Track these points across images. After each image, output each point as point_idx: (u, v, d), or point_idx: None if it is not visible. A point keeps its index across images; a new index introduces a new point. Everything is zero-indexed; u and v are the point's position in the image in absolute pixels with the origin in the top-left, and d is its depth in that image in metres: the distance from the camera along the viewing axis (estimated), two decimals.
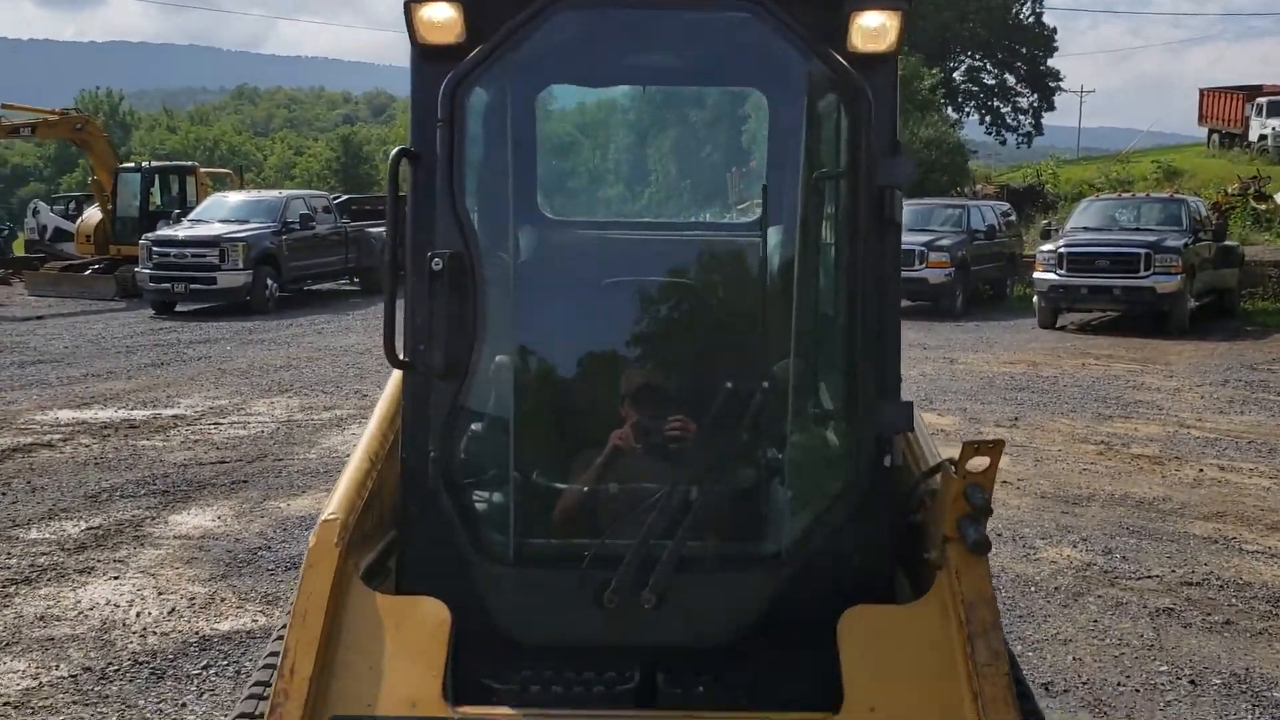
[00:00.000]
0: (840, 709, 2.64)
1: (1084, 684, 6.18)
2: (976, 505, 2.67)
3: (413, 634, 2.77)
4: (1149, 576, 7.96)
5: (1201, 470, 10.71)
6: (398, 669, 2.71)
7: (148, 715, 5.65)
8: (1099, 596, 7.47)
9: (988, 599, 2.71)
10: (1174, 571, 8.07)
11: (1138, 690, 6.20)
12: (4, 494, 9.50)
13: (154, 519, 8.87)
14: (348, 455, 3.35)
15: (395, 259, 2.81)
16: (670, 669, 2.85)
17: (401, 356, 2.87)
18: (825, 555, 2.89)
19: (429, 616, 2.80)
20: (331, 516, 2.87)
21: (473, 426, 3.09)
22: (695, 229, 4.28)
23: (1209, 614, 7.27)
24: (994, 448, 2.69)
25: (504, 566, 2.93)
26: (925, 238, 21.48)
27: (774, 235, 3.37)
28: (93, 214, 28.23)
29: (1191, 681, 6.29)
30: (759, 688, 2.79)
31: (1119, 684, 6.24)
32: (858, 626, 2.76)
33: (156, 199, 28.02)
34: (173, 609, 7.05)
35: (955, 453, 2.76)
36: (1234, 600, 7.53)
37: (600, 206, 4.71)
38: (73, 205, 34.57)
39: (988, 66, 58.46)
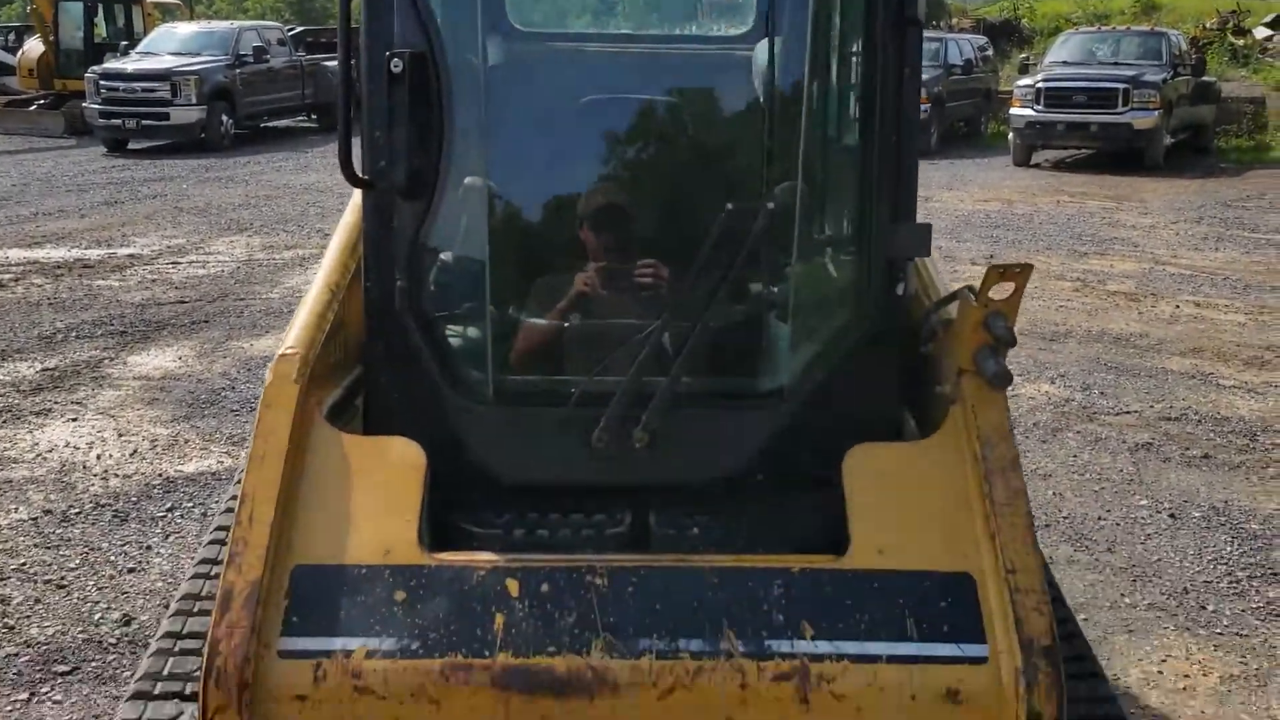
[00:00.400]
0: (845, 552, 2.46)
1: (1065, 519, 6.15)
2: (998, 335, 2.45)
3: (384, 477, 2.56)
4: (1127, 412, 7.90)
5: (1178, 307, 10.63)
6: (368, 515, 2.50)
7: (112, 559, 5.49)
8: (1078, 432, 7.40)
9: (1006, 434, 2.52)
10: (1152, 407, 8.02)
11: (1118, 524, 6.16)
12: None
13: (112, 360, 8.58)
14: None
15: (348, 59, 2.48)
16: (663, 511, 2.66)
17: (361, 174, 2.57)
18: (830, 391, 2.68)
19: (401, 458, 2.58)
20: (289, 351, 2.61)
21: (442, 255, 2.82)
22: (681, 42, 3.92)
23: (1187, 448, 7.23)
24: (1021, 273, 2.46)
25: (482, 405, 2.70)
26: None
27: (773, 44, 3.05)
28: (34, 46, 26.86)
29: (1171, 515, 6.27)
30: (758, 530, 2.62)
31: (1100, 518, 6.20)
32: (864, 465, 2.57)
33: (101, 30, 26.68)
34: (134, 451, 6.83)
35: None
36: (1212, 434, 7.49)
37: (574, 17, 4.32)
38: (12, 36, 32.91)
39: None
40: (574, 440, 2.63)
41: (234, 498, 2.74)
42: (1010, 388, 2.64)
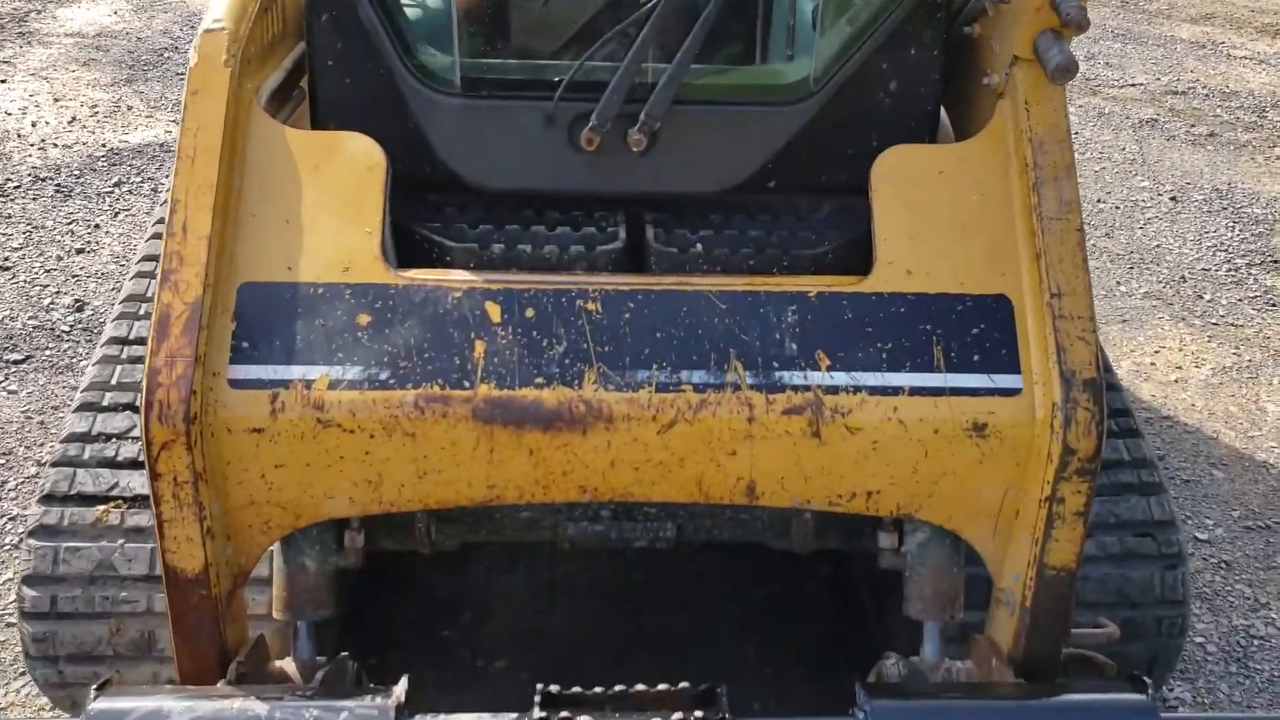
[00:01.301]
0: (871, 271, 2.17)
1: None
2: (1068, 15, 2.04)
3: (338, 179, 2.20)
4: (1132, 85, 7.46)
5: None
6: (322, 224, 2.16)
7: (58, 238, 5.15)
8: (1080, 107, 6.99)
9: (1062, 137, 2.18)
10: (1158, 79, 7.57)
11: (1118, 208, 5.91)
12: None
13: (40, 13, 7.82)
14: None
15: None
16: (664, 224, 2.33)
17: None
18: (860, 82, 2.30)
19: (358, 157, 2.21)
20: (215, 25, 2.17)
21: None
22: None
23: (1193, 125, 6.87)
24: None
25: (449, 95, 2.29)
26: None
27: None
28: None
29: (1173, 198, 6.01)
30: (771, 249, 2.31)
31: (1099, 200, 5.93)
32: (896, 171, 2.23)
33: None
34: (73, 118, 6.32)
35: None
36: (1219, 110, 7.11)
37: None
38: None
39: None
40: (559, 139, 2.26)
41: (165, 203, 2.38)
42: None
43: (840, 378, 2.11)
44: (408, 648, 3.28)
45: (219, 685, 2.11)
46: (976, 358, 2.13)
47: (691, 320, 2.13)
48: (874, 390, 2.11)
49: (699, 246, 2.28)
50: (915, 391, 2.11)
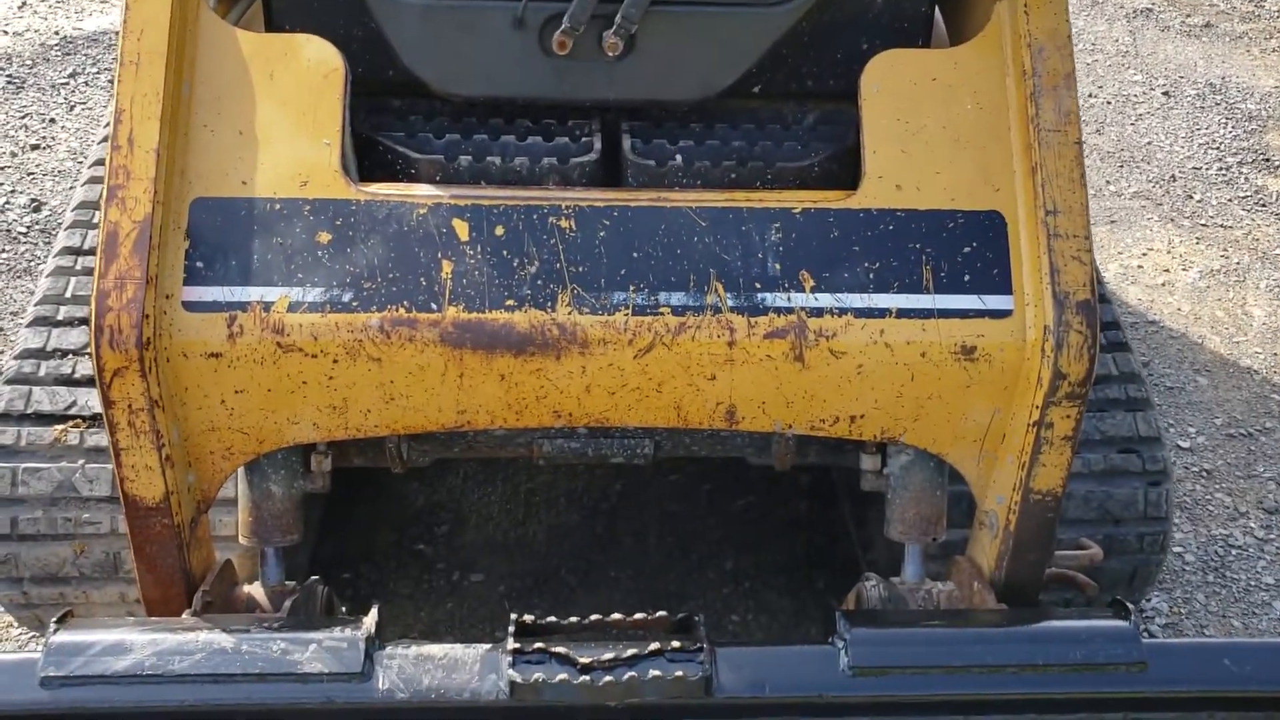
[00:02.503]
0: (858, 186, 2.07)
1: None
2: None
3: (294, 86, 2.06)
4: None
5: None
6: (278, 134, 2.04)
7: (11, 133, 4.95)
8: None
9: (1062, 42, 2.05)
10: None
11: (1109, 103, 5.77)
12: None
13: None
14: None
15: None
16: (641, 134, 2.20)
17: None
18: None
19: (315, 62, 2.07)
20: None
21: None
22: None
23: (1188, 16, 6.67)
24: None
25: None
26: None
27: None
28: None
29: (1165, 93, 5.87)
30: (755, 159, 2.19)
31: (1090, 95, 5.78)
32: (887, 77, 2.11)
33: None
34: (24, 2, 6.03)
35: None
36: (1216, 0, 6.90)
37: None
38: None
39: None
40: (529, 43, 2.12)
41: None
42: None
43: (825, 299, 2.02)
44: (383, 561, 3.24)
45: (184, 616, 2.05)
46: (967, 278, 2.05)
47: (670, 239, 2.03)
48: (860, 313, 2.02)
49: (678, 159, 2.16)
50: (903, 314, 2.03)
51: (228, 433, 2.07)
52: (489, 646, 1.93)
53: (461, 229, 2.01)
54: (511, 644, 1.89)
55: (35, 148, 4.87)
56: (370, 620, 1.93)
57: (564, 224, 2.02)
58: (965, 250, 2.06)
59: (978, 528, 2.30)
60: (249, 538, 2.23)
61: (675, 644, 1.91)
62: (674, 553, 3.27)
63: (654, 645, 1.90)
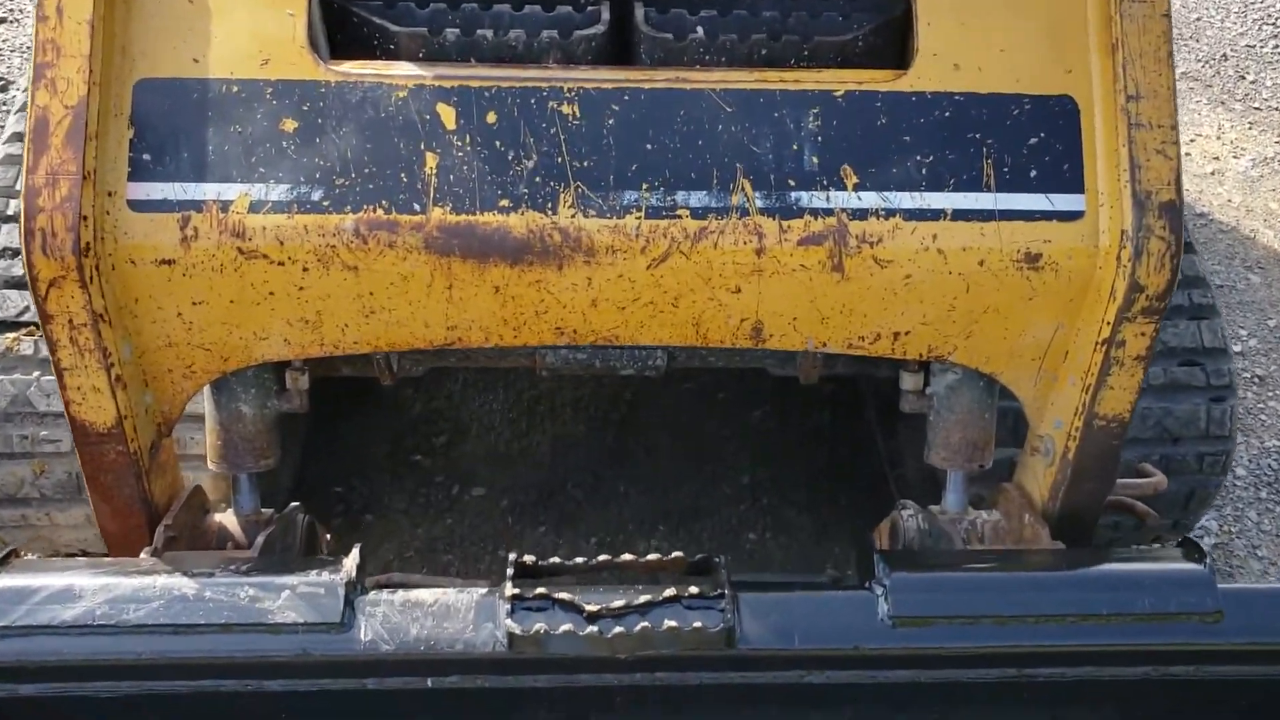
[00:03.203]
0: (910, 64, 1.78)
1: None
2: None
3: None
4: None
5: None
6: (235, 3, 1.74)
7: None
8: None
9: None
10: None
11: None
12: None
13: None
14: None
15: None
16: (657, 2, 1.89)
17: None
18: None
19: None
20: None
21: None
22: None
23: None
24: None
25: None
26: None
27: None
28: None
29: None
30: (789, 31, 1.88)
31: None
32: None
33: None
34: None
35: None
36: None
37: None
38: None
39: None
40: None
41: None
42: None
43: (869, 199, 1.75)
44: (376, 474, 3.03)
45: (142, 555, 1.84)
46: (1033, 174, 1.77)
47: (690, 127, 1.75)
48: (910, 214, 1.75)
49: (699, 31, 1.86)
50: (959, 216, 1.76)
51: (187, 349, 1.82)
52: (484, 590, 1.72)
53: (448, 116, 1.74)
54: (510, 588, 1.68)
55: (1, 21, 4.53)
56: (351, 562, 1.72)
57: (566, 110, 1.74)
58: (1032, 142, 1.78)
59: (1030, 453, 2.07)
60: (218, 463, 2.01)
61: (693, 589, 1.70)
62: (687, 466, 3.06)
63: (669, 591, 1.69)
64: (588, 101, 1.75)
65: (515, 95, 1.74)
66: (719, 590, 1.69)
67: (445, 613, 1.69)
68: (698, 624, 1.64)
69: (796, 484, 3.04)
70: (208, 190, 1.71)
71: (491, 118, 1.74)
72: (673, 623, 1.64)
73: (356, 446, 3.11)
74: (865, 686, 1.72)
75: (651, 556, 1.79)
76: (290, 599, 1.67)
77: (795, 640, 1.70)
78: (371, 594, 1.70)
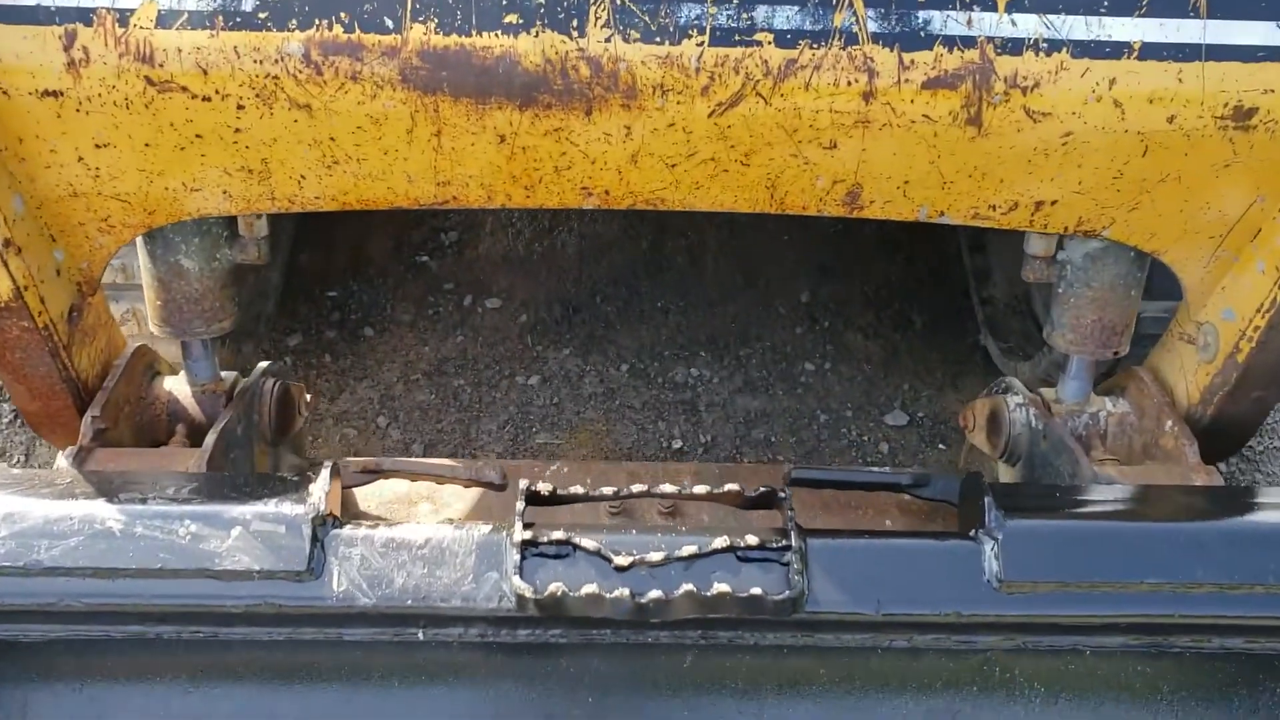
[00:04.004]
0: None
1: None
2: None
3: None
4: None
5: None
6: None
7: None
8: None
9: None
10: None
11: None
12: None
13: None
14: None
15: None
16: None
17: None
18: None
19: None
20: None
21: None
22: None
23: None
24: None
25: None
26: None
27: None
28: None
29: None
30: None
31: None
32: None
33: None
34: None
35: None
36: None
37: None
38: None
39: None
40: None
41: None
42: None
43: (1028, 25, 1.24)
44: (377, 277, 2.64)
45: (60, 461, 1.48)
46: None
47: None
48: (1081, 49, 1.25)
49: None
50: (1150, 53, 1.25)
51: (99, 200, 1.39)
52: (489, 528, 1.36)
53: None
54: (519, 530, 1.32)
55: None
56: (319, 489, 1.35)
57: None
58: None
59: (1178, 339, 1.65)
60: (160, 328, 1.61)
61: (750, 538, 1.33)
62: (735, 279, 2.64)
63: (720, 540, 1.33)
64: None
65: None
66: (783, 541, 1.33)
67: (439, 557, 1.34)
68: (756, 589, 1.29)
69: (863, 303, 2.63)
70: None
71: None
72: (724, 585, 1.29)
73: (353, 242, 2.69)
74: (963, 655, 1.39)
75: (698, 488, 1.40)
76: (242, 539, 1.31)
77: (879, 605, 1.34)
78: (346, 530, 1.34)
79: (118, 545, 1.30)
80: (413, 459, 1.73)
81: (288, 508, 1.32)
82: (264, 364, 1.74)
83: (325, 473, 1.37)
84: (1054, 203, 1.39)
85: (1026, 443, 1.69)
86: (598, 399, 2.45)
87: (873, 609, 1.34)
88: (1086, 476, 1.53)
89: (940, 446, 2.41)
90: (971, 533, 1.37)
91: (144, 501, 1.34)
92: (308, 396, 1.84)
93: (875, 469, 1.83)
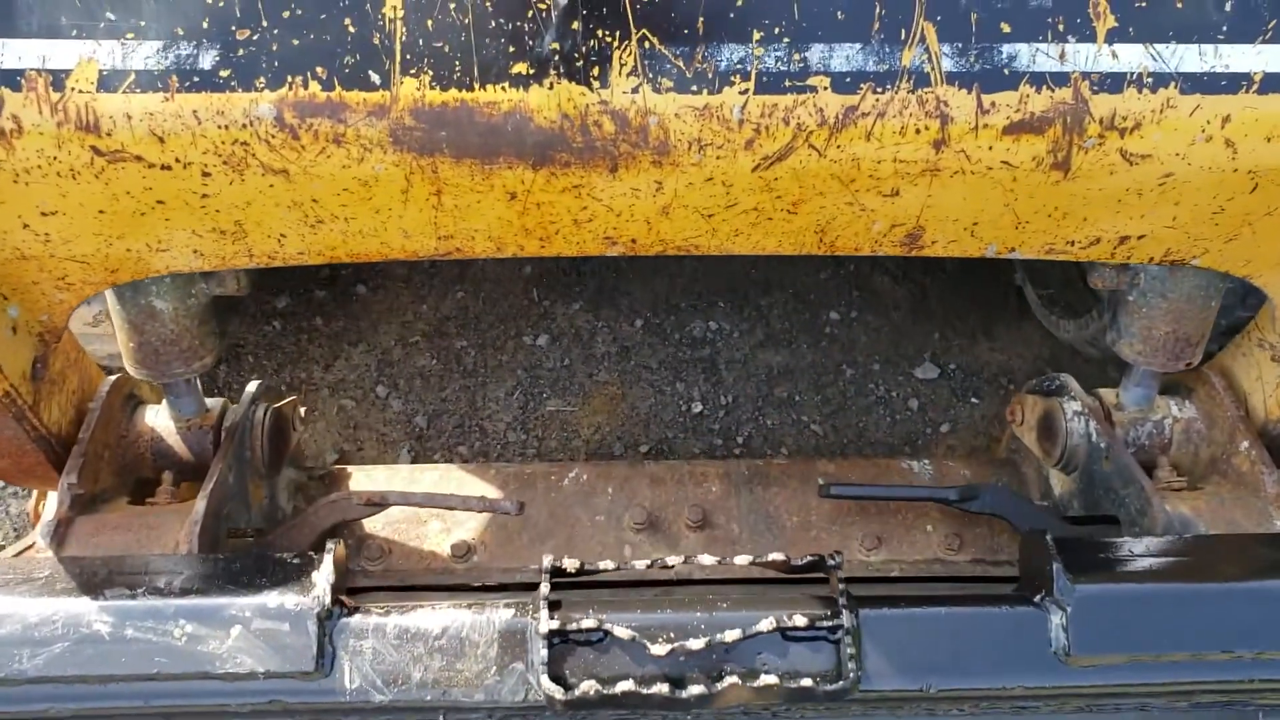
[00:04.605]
0: None
1: None
2: None
3: None
4: None
5: None
6: None
7: None
8: None
9: None
10: None
11: None
12: None
13: None
14: None
15: None
16: None
17: None
18: None
19: None
20: None
21: None
22: None
23: None
24: None
25: None
26: None
27: None
28: None
29: None
30: None
31: None
32: None
33: None
34: None
35: None
36: None
37: None
38: None
39: None
40: None
41: None
42: None
43: (1130, 56, 1.05)
44: None
45: (33, 544, 1.35)
46: None
47: None
48: (1193, 83, 1.06)
49: None
50: (1273, 84, 1.06)
51: (53, 261, 1.22)
52: (511, 613, 1.24)
53: None
54: (546, 619, 1.21)
55: None
56: (324, 577, 1.22)
57: None
58: None
59: (1259, 347, 1.50)
60: (137, 370, 1.45)
61: (799, 618, 1.22)
62: None
63: (766, 622, 1.21)
64: None
65: None
66: (835, 618, 1.22)
67: (458, 648, 1.23)
68: (806, 680, 1.19)
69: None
70: (26, 53, 1.02)
71: None
72: (771, 676, 1.19)
73: None
74: None
75: (740, 559, 1.28)
76: (244, 638, 1.20)
77: (933, 682, 1.24)
78: (356, 620, 1.23)
79: (108, 650, 1.19)
80: (418, 492, 1.60)
81: (291, 600, 1.21)
82: (252, 387, 1.59)
83: (328, 559, 1.24)
84: (1141, 237, 1.22)
85: (1084, 455, 1.56)
86: (611, 359, 2.31)
87: (930, 685, 1.24)
88: (1158, 518, 1.40)
89: (973, 400, 2.28)
90: (1037, 599, 1.26)
91: (133, 596, 1.22)
92: (301, 411, 1.69)
93: (913, 487, 1.70)
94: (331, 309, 2.36)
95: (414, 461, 2.15)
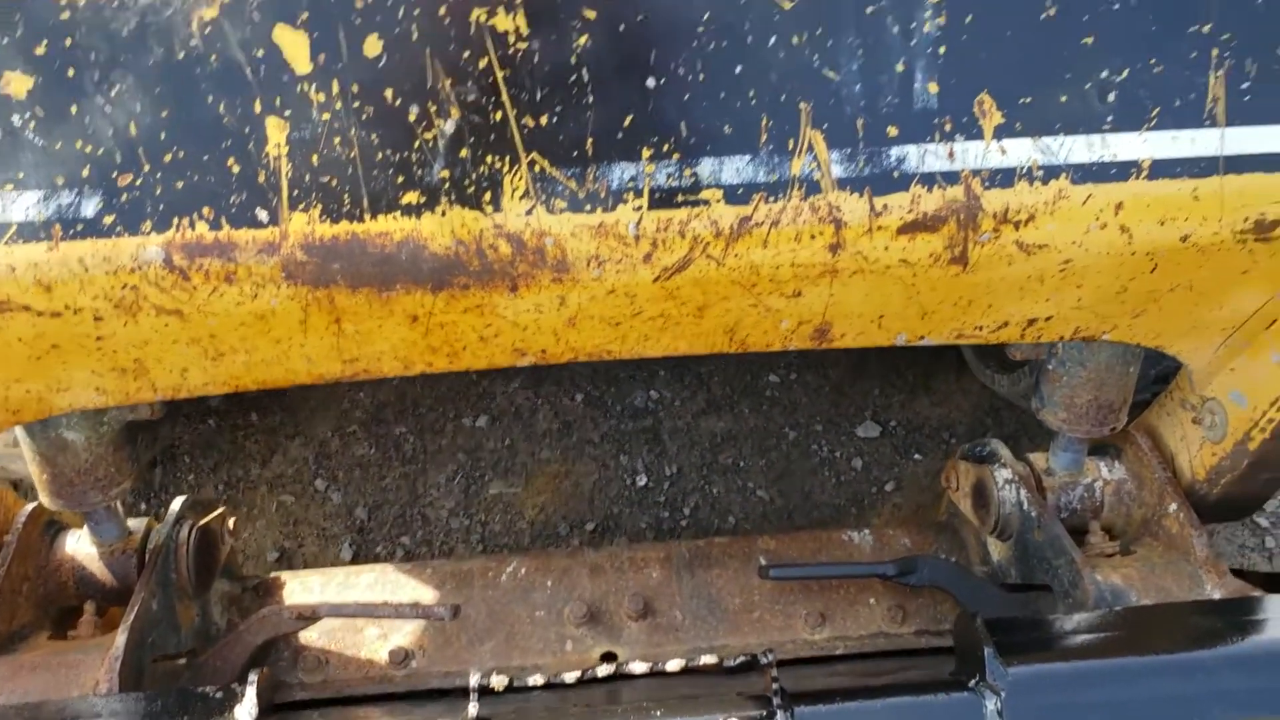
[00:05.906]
0: None
1: None
2: None
3: None
4: None
5: None
6: None
7: None
8: None
9: None
10: None
11: None
12: None
13: None
14: None
15: None
16: None
17: None
18: None
19: None
20: None
21: None
22: None
23: None
24: None
25: None
26: None
27: None
28: None
29: None
30: None
31: None
32: None
33: None
34: None
35: None
36: None
37: None
38: None
39: None
40: None
41: None
42: None
43: (1019, 151, 1.06)
44: None
45: None
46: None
47: (720, 39, 1.01)
48: (1083, 173, 1.07)
49: None
50: (1161, 170, 1.07)
51: None
52: None
53: (295, 48, 0.99)
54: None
55: None
56: (246, 713, 1.19)
57: (504, 23, 0.99)
58: None
59: (1181, 408, 1.51)
60: (53, 501, 1.42)
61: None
62: None
63: None
64: (541, 2, 1.00)
65: (415, 2, 0.98)
66: (769, 716, 1.20)
67: None
68: None
69: None
70: None
71: (373, 45, 0.99)
72: None
73: None
74: None
75: (672, 663, 1.27)
76: None
77: None
78: None
79: None
80: (350, 602, 1.58)
81: None
82: (176, 505, 1.56)
83: (250, 691, 1.21)
84: (1048, 319, 1.23)
85: (1018, 524, 1.56)
86: (553, 436, 2.29)
87: None
88: (1089, 590, 1.40)
89: (916, 457, 2.29)
90: (972, 683, 1.25)
91: None
92: (230, 523, 1.66)
93: (852, 564, 1.69)
94: (266, 403, 2.33)
95: (356, 556, 2.12)
